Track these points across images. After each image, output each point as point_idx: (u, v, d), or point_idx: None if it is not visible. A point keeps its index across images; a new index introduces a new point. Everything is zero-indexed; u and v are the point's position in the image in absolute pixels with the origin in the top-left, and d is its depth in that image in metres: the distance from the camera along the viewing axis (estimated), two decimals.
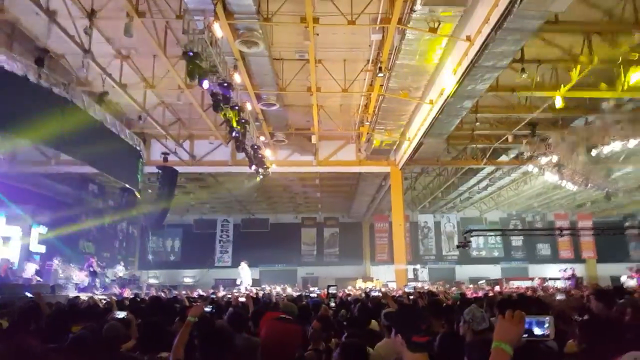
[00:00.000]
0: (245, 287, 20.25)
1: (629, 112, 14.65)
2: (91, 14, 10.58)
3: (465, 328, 3.92)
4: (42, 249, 18.08)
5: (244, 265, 21.83)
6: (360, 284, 22.85)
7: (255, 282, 25.25)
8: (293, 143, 18.88)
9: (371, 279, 25.08)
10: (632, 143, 14.29)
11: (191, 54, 9.56)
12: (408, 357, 2.33)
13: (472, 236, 14.58)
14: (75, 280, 16.66)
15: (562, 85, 12.24)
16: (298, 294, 15.50)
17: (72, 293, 14.41)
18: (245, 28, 10.80)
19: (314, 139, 17.68)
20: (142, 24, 10.68)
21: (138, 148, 16.10)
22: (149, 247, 31.74)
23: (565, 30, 10.73)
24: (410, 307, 6.44)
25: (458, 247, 15.29)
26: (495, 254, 32.74)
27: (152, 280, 28.11)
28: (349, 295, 14.09)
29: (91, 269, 17.54)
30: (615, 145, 14.63)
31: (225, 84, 11.20)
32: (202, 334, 3.29)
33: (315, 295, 14.00)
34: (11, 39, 11.62)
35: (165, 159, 18.43)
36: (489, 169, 21.24)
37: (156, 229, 27.01)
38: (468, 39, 9.72)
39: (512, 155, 19.35)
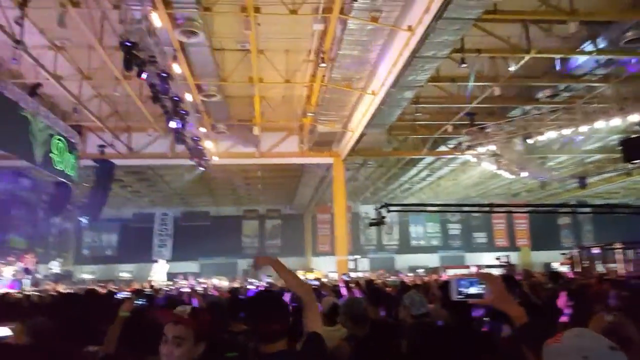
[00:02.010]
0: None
1: (563, 101, 15.38)
2: (23, 4, 9.95)
3: (404, 312, 4.09)
4: None
5: (161, 263, 21.64)
6: (301, 275, 23.05)
7: (196, 275, 24.95)
8: (235, 134, 18.64)
9: (312, 270, 25.34)
10: (566, 132, 14.99)
11: (128, 44, 9.26)
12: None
13: (389, 211, 14.30)
14: (5, 277, 15.88)
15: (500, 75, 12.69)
16: (235, 285, 15.50)
17: (2, 289, 13.79)
18: (185, 18, 10.51)
19: (256, 130, 17.57)
20: (77, 14, 10.22)
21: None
22: (85, 241, 30.52)
23: (503, 20, 11.02)
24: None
25: (371, 225, 15.13)
26: (434, 242, 33.96)
27: (88, 275, 27.08)
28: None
29: (24, 266, 16.77)
30: (551, 135, 15.38)
31: (164, 75, 10.92)
32: (133, 327, 3.29)
33: (255, 287, 13.99)
34: None
35: (102, 152, 17.78)
36: (429, 159, 21.73)
37: (92, 222, 26.00)
38: (409, 28, 9.88)
39: (451, 146, 19.85)
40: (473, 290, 1.86)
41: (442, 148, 20.08)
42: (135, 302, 4.06)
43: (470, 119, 16.29)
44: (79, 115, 16.02)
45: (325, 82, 13.27)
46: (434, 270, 25.54)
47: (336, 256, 19.16)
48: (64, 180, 16.00)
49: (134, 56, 9.51)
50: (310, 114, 16.01)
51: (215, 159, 18.60)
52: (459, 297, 1.88)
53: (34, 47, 11.76)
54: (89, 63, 13.18)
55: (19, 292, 12.31)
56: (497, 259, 23.51)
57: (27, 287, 15.65)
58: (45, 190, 19.22)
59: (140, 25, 9.32)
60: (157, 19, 9.39)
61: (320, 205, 29.58)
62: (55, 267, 20.33)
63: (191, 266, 30.66)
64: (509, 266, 22.12)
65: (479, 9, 8.69)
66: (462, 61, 11.53)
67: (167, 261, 28.43)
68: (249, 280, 20.92)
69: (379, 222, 14.27)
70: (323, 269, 25.55)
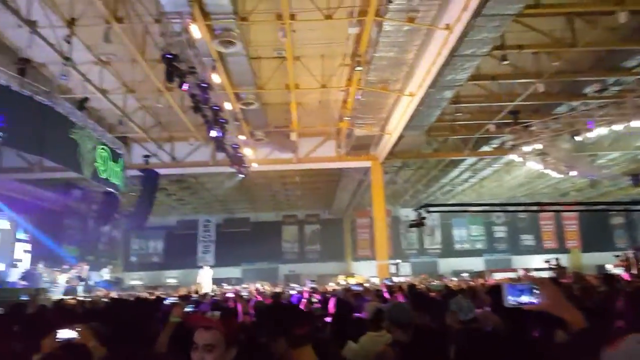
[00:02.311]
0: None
1: (613, 95, 14.69)
2: (71, 22, 10.54)
3: (451, 318, 3.98)
4: (27, 254, 18.05)
5: (206, 269, 22.06)
6: (342, 280, 22.96)
7: (238, 281, 25.24)
8: (273, 141, 18.83)
9: (353, 275, 25.20)
10: (617, 127, 14.21)
11: (170, 56, 9.56)
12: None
13: (428, 212, 13.86)
14: (59, 284, 16.60)
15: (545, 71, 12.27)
16: (278, 290, 15.60)
17: (57, 296, 14.40)
18: (223, 28, 10.74)
19: (293, 136, 17.69)
20: (121, 29, 10.66)
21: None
22: (132, 249, 31.55)
23: (546, 14, 10.69)
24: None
25: (411, 226, 14.71)
26: (478, 245, 33.09)
27: (136, 282, 27.96)
28: (332, 290, 14.14)
29: (79, 274, 17.51)
30: (601, 131, 14.65)
31: (204, 85, 11.17)
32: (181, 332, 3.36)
33: (296, 292, 14.04)
34: None
35: (147, 162, 18.39)
36: (471, 160, 21.26)
37: (139, 230, 26.91)
38: (447, 27, 9.71)
39: (494, 146, 19.35)
40: (526, 295, 1.78)
41: (485, 148, 19.55)
42: (185, 308, 4.14)
43: (513, 117, 15.80)
44: (124, 127, 16.65)
45: (361, 85, 13.22)
46: (480, 274, 24.87)
47: (377, 261, 18.99)
48: (111, 189, 16.60)
49: (175, 68, 9.80)
50: (347, 118, 15.98)
51: (255, 166, 18.83)
52: (512, 303, 1.80)
53: (82, 63, 12.32)
54: (132, 76, 13.68)
55: (72, 298, 12.86)
56: (547, 261, 22.60)
57: (81, 294, 16.24)
58: (95, 200, 19.97)
59: (181, 38, 9.59)
60: (196, 31, 9.64)
61: (359, 210, 29.45)
62: (105, 274, 21.14)
63: (234, 271, 31.16)
64: (558, 269, 21.24)
65: (520, 4, 8.46)
66: (503, 58, 11.22)
67: (211, 267, 29.02)
68: (291, 285, 21.08)
69: (418, 224, 13.99)
70: (364, 273, 25.38)
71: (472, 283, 15.58)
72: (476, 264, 30.95)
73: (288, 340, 2.36)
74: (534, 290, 1.76)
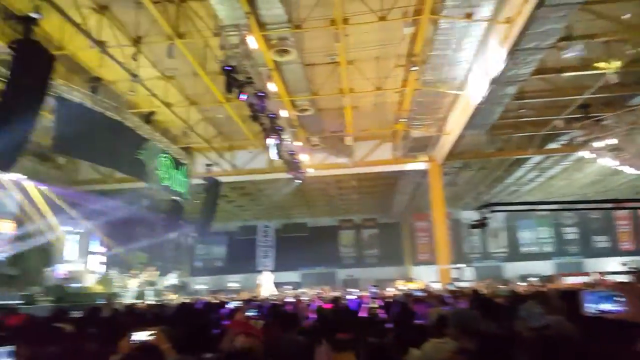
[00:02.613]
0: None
1: None
2: (137, 41, 11.23)
3: (520, 325, 3.79)
4: (101, 259, 19.39)
5: (266, 273, 22.44)
6: (401, 285, 22.59)
7: (297, 285, 25.43)
8: (328, 146, 18.94)
9: (412, 280, 24.72)
10: None
11: (228, 68, 9.85)
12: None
13: (492, 212, 13.09)
14: (130, 289, 17.43)
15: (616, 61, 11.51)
16: (336, 294, 15.54)
17: (128, 300, 15.13)
18: (278, 37, 10.98)
19: (348, 140, 17.67)
20: (183, 45, 11.23)
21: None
22: (197, 254, 32.68)
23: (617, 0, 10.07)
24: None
25: (472, 227, 14.00)
26: (547, 248, 31.60)
27: (201, 286, 28.91)
28: (391, 296, 13.89)
29: (148, 279, 18.48)
30: None
31: (261, 94, 11.41)
32: None
33: (355, 296, 13.90)
34: (69, 71, 12.66)
35: (209, 170, 19.15)
36: (537, 158, 20.43)
37: (203, 236, 27.79)
38: (508, 20, 9.37)
39: (562, 142, 18.37)
40: (606, 304, 1.63)
41: (552, 145, 18.62)
42: (247, 312, 4.21)
43: (583, 111, 14.91)
44: (188, 137, 17.47)
45: (417, 85, 12.98)
46: (549, 279, 23.65)
47: (437, 265, 18.52)
48: (176, 197, 17.31)
49: (233, 79, 10.10)
50: (403, 120, 15.75)
51: (311, 171, 18.98)
52: (591, 311, 1.66)
53: (148, 79, 13.06)
54: (194, 89, 14.37)
55: (142, 302, 13.47)
56: (624, 264, 21.13)
57: (150, 298, 17.00)
58: (163, 208, 20.89)
59: (238, 50, 9.86)
60: (252, 42, 9.91)
61: (418, 213, 28.92)
62: (173, 278, 22.07)
63: (292, 276, 31.49)
64: (638, 272, 19.81)
65: None
66: (569, 49, 10.59)
67: (271, 271, 29.52)
68: (349, 290, 20.97)
69: (480, 224, 13.42)
70: (424, 278, 24.84)
71: (542, 288, 14.84)
72: (544, 267, 29.52)
73: (331, 343, 2.34)
74: (616, 298, 1.62)
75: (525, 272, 28.26)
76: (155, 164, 15.07)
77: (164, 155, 15.73)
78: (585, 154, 17.25)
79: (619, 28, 10.87)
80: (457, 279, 21.02)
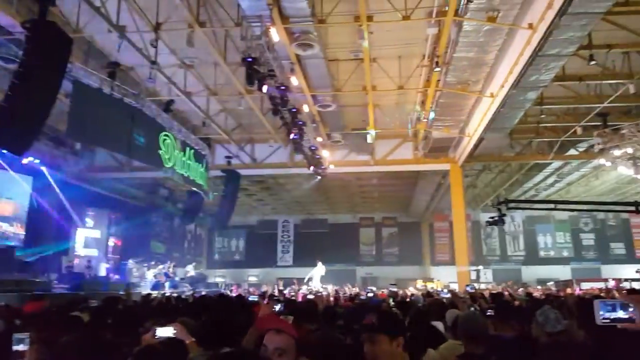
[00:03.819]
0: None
1: None
2: (157, 27, 11.18)
3: (537, 330, 3.78)
4: (118, 250, 19.43)
5: (319, 265, 22.19)
6: (420, 284, 22.52)
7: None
8: (350, 143, 18.94)
9: (432, 280, 24.62)
10: None
11: (250, 59, 9.88)
12: None
13: (508, 208, 12.97)
14: (148, 279, 17.68)
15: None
16: (355, 292, 15.54)
17: (145, 291, 15.33)
18: (301, 31, 10.97)
19: (370, 138, 17.69)
20: (204, 33, 11.16)
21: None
22: (216, 247, 33.05)
23: (637, 12, 10.05)
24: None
25: (490, 224, 13.94)
26: (565, 253, 31.25)
27: (219, 279, 29.20)
28: (412, 295, 13.89)
29: (166, 270, 18.62)
30: None
31: (283, 87, 11.49)
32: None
33: (372, 294, 13.91)
34: (87, 55, 12.57)
35: (229, 163, 19.21)
36: (557, 164, 20.26)
37: (222, 229, 28.00)
38: (530, 26, 9.36)
39: (581, 149, 18.30)
40: (620, 313, 1.66)
41: (572, 152, 18.44)
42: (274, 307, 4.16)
43: (602, 119, 14.90)
44: (208, 128, 17.43)
45: (440, 86, 12.95)
46: (566, 284, 23.32)
47: (456, 266, 18.44)
48: (195, 189, 17.41)
49: (255, 71, 10.14)
50: (424, 120, 15.71)
51: (332, 168, 19.04)
52: (604, 321, 1.69)
53: (167, 67, 13.03)
54: (215, 79, 14.29)
55: (159, 294, 13.63)
56: (638, 271, 20.80)
57: (168, 289, 17.19)
58: (181, 199, 21.10)
59: (260, 41, 9.91)
60: (275, 34, 9.92)
61: (438, 213, 28.75)
62: (190, 270, 22.27)
63: (311, 272, 31.55)
64: None
65: (608, 2, 8.01)
66: (591, 58, 10.58)
67: (287, 266, 29.59)
68: (369, 287, 20.94)
69: (497, 221, 13.34)
70: (443, 279, 24.73)
71: (559, 293, 14.68)
72: (562, 272, 29.12)
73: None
74: (629, 308, 1.66)
75: (543, 276, 27.96)
76: (156, 142, 14.07)
77: (165, 134, 14.56)
78: (603, 161, 17.10)
79: (638, 40, 10.88)
80: (475, 281, 20.88)
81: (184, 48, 11.95)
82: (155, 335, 3.00)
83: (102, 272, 16.93)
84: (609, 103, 13.40)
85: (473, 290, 13.08)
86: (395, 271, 29.31)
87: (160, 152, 14.04)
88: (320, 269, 22.01)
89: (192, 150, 16.25)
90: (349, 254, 31.45)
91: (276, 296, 11.94)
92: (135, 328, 4.11)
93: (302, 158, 16.87)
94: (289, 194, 26.57)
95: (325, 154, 17.78)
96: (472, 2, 9.11)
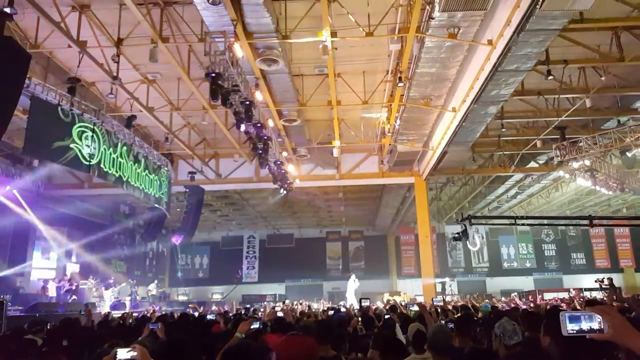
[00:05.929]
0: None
1: None
2: (118, 42, 10.98)
3: (497, 343, 3.78)
4: (77, 268, 18.72)
5: (352, 277, 21.76)
6: (387, 298, 22.54)
7: (281, 297, 25.02)
8: (315, 157, 18.94)
9: (398, 293, 24.70)
10: None
11: (214, 74, 9.74)
12: None
13: (472, 224, 13.35)
14: (107, 299, 17.07)
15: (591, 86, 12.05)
16: (331, 307, 15.33)
17: (105, 311, 14.83)
18: (265, 46, 10.95)
19: (335, 152, 17.72)
20: (166, 49, 10.99)
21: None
22: (178, 264, 32.27)
23: (591, 29, 10.44)
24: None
25: (454, 239, 14.31)
26: (528, 264, 32.05)
27: (182, 297, 28.51)
28: (376, 309, 13.79)
29: (126, 289, 18.10)
30: None
31: (247, 103, 11.38)
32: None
33: (344, 309, 13.79)
34: (46, 71, 12.33)
35: (192, 178, 18.89)
36: (518, 176, 20.81)
37: (185, 246, 27.41)
38: (490, 43, 9.61)
39: (541, 161, 18.91)
40: (587, 323, 1.63)
41: (532, 164, 19.04)
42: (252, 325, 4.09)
43: (560, 132, 15.45)
44: (170, 144, 17.12)
45: (403, 101, 13.13)
46: (529, 294, 23.89)
47: (422, 279, 18.57)
48: (157, 205, 16.97)
49: (219, 86, 9.99)
50: (389, 134, 15.87)
51: (297, 182, 18.96)
52: (572, 332, 1.66)
53: (129, 82, 12.84)
54: (178, 94, 14.13)
55: (119, 315, 13.10)
56: (600, 281, 21.51)
57: (128, 309, 16.66)
58: (142, 216, 20.54)
59: (224, 57, 9.81)
60: (239, 49, 9.85)
61: (403, 226, 29.01)
62: (153, 289, 21.63)
63: (278, 288, 31.28)
64: (611, 289, 20.11)
65: (564, 19, 8.26)
66: (549, 73, 10.95)
67: (254, 283, 29.16)
68: (340, 303, 20.70)
69: (461, 237, 13.61)
70: (409, 291, 24.88)
71: (518, 304, 14.96)
72: (525, 283, 29.89)
73: None
74: (596, 318, 1.63)
75: (507, 287, 28.56)
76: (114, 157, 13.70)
77: (123, 147, 14.13)
78: (562, 173, 17.73)
79: (594, 56, 11.31)
80: (440, 293, 21.03)
81: (147, 63, 11.70)
82: (116, 357, 2.86)
83: (58, 293, 16.19)
84: (566, 117, 13.95)
85: (442, 304, 13.18)
86: (362, 285, 29.21)
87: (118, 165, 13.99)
88: (353, 283, 21.55)
89: (149, 164, 15.96)
90: (315, 269, 31.35)
91: (251, 315, 11.62)
92: (92, 350, 3.95)
93: (268, 173, 16.71)
94: (254, 209, 26.31)
95: (290, 168, 17.69)
96: (433, 18, 9.28)
